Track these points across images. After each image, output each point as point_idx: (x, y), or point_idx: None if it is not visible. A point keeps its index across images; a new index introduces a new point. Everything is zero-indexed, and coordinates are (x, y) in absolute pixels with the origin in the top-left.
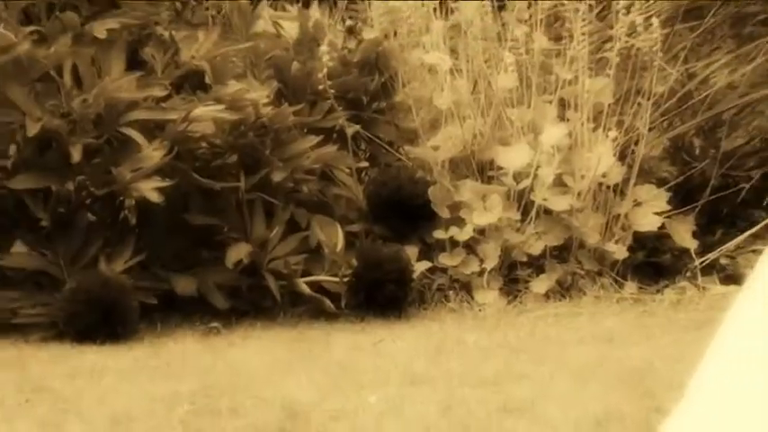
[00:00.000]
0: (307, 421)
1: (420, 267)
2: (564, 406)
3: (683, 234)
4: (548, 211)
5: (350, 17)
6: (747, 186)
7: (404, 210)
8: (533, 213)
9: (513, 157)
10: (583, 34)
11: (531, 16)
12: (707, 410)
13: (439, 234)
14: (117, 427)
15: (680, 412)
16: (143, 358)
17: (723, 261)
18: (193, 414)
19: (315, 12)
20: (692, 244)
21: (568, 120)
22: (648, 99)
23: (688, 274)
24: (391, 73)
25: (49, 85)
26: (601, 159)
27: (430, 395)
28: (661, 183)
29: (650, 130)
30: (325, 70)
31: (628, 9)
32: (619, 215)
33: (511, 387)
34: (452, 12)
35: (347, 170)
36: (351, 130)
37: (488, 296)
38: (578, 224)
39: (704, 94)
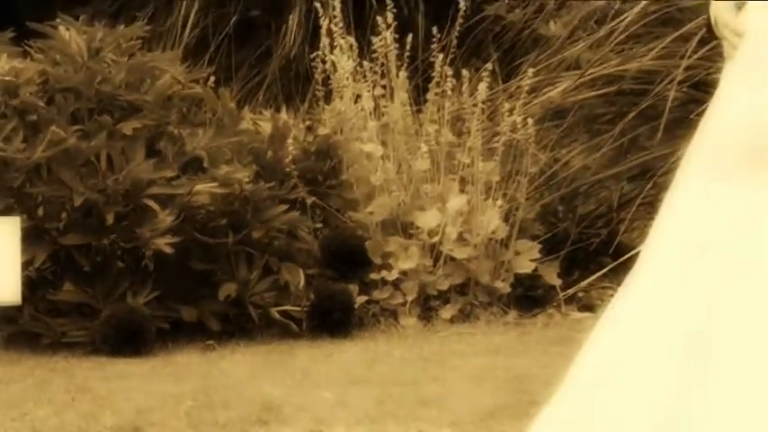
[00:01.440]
0: (279, 412)
1: (360, 300)
2: (465, 400)
3: (551, 275)
4: (452, 259)
5: (309, 118)
6: (597, 241)
7: (348, 258)
8: (442, 260)
9: (427, 220)
10: (477, 130)
11: (440, 117)
12: (571, 403)
13: (373, 275)
14: (140, 417)
15: (550, 404)
16: (158, 367)
17: (580, 294)
18: (195, 407)
19: (283, 115)
20: (557, 282)
21: (467, 192)
22: (525, 177)
23: (555, 304)
24: (339, 159)
25: (90, 168)
26: (491, 221)
27: (368, 392)
28: (534, 238)
29: (527, 199)
30: (290, 157)
31: (510, 111)
32: (504, 261)
33: (426, 387)
34: (383, 114)
35: (307, 230)
36: (309, 200)
37: (409, 321)
38: (475, 268)
39: (565, 174)
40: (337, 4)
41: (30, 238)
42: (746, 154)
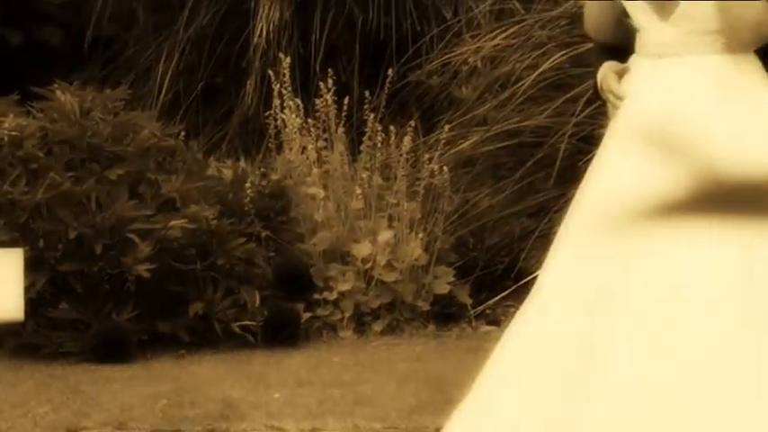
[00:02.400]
0: (237, 409)
1: (305, 316)
2: (392, 399)
3: (464, 295)
4: (382, 282)
5: (263, 166)
6: (502, 267)
7: (296, 281)
8: (373, 283)
9: (361, 250)
10: (402, 176)
11: (371, 165)
12: (482, 402)
13: (316, 296)
14: (123, 413)
15: (464, 403)
16: (138, 372)
17: (488, 311)
18: (169, 405)
19: (242, 163)
20: (468, 301)
21: (394, 227)
22: (442, 214)
23: (466, 319)
24: (288, 200)
25: (82, 208)
26: (414, 251)
27: (311, 393)
28: (450, 265)
29: (443, 233)
30: (248, 198)
31: (430, 160)
32: (425, 284)
33: (360, 388)
34: (324, 163)
35: (261, 258)
36: (264, 234)
37: (347, 333)
38: (401, 290)
39: (475, 212)
40: (286, 72)
41: (32, 265)
42: (613, 219)
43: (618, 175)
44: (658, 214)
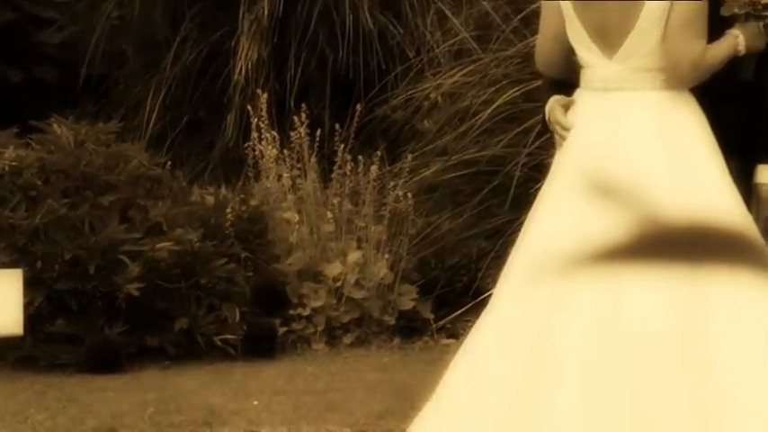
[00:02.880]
0: (219, 415)
1: (281, 330)
2: (361, 406)
3: (426, 311)
4: (351, 299)
5: (242, 193)
6: (461, 285)
7: (272, 298)
8: (343, 300)
9: (332, 269)
10: (370, 201)
11: (341, 192)
12: (442, 407)
13: (291, 312)
14: (114, 420)
15: (426, 408)
16: (128, 382)
17: (448, 326)
18: (156, 413)
19: (223, 190)
20: (430, 316)
21: (362, 248)
22: (406, 237)
23: (429, 333)
24: (265, 224)
25: (77, 231)
26: (380, 270)
27: (287, 400)
28: (413, 283)
29: (407, 254)
30: (229, 222)
31: (395, 187)
32: (390, 300)
33: (331, 395)
34: (299, 190)
35: (241, 277)
36: (243, 255)
37: (319, 345)
38: (368, 305)
39: (436, 234)
40: (264, 107)
41: (31, 284)
42: (557, 260)
43: (562, 215)
44: (599, 257)
